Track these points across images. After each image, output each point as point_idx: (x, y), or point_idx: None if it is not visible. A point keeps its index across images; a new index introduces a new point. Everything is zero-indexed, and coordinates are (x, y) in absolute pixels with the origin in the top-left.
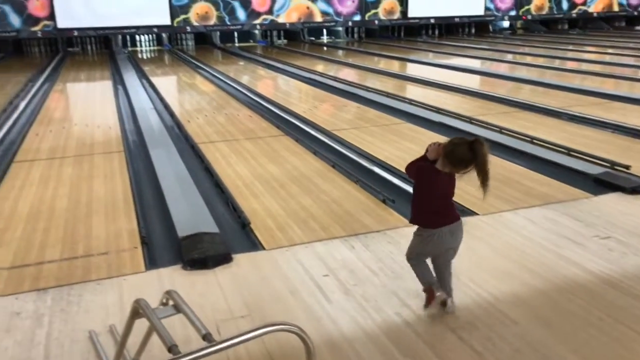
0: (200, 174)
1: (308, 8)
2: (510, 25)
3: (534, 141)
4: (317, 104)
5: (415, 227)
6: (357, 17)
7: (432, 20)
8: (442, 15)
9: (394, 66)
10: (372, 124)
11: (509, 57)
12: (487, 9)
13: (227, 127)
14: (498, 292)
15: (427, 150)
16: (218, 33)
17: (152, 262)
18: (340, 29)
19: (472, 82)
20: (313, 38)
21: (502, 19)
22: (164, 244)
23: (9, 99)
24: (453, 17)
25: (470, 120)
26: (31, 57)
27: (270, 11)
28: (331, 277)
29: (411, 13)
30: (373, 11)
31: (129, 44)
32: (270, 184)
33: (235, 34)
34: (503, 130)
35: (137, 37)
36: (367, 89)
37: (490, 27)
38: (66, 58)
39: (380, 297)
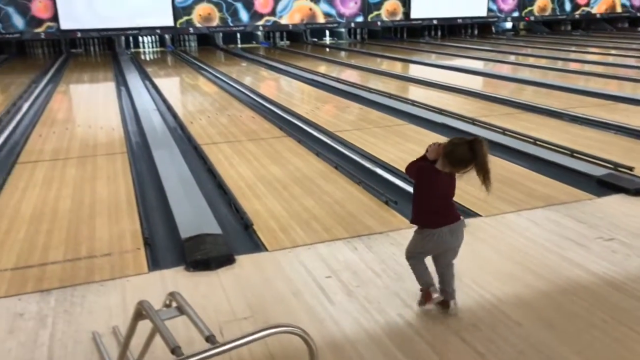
0: (203, 175)
1: (311, 9)
2: (513, 26)
3: (537, 142)
4: (319, 105)
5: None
6: (360, 19)
7: (435, 22)
8: (445, 16)
9: (397, 67)
10: (375, 125)
11: (512, 58)
12: (489, 10)
13: (229, 129)
14: (501, 294)
15: (427, 151)
16: (221, 34)
17: (155, 263)
18: (342, 30)
19: (475, 83)
20: (315, 39)
21: (505, 20)
22: (167, 245)
23: (13, 100)
24: (456, 19)
25: (473, 121)
26: (34, 58)
27: (272, 12)
28: (334, 278)
29: (414, 14)
30: (376, 12)
31: (131, 45)
32: (272, 185)
33: (238, 35)
34: (506, 132)
35: (140, 39)
36: (369, 90)
37: (493, 29)
38: (69, 59)
39: (383, 299)
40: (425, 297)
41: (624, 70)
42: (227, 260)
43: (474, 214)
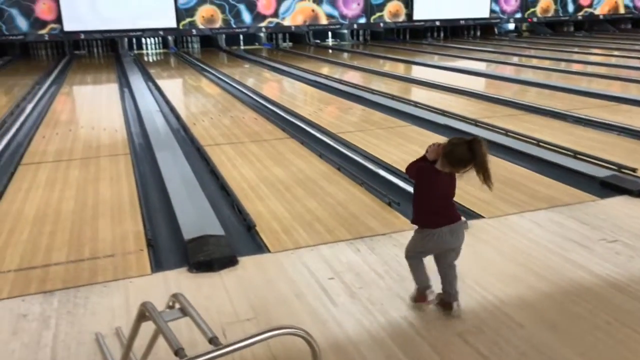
0: (206, 177)
1: (313, 11)
2: (516, 27)
3: (540, 144)
4: (322, 107)
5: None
6: (363, 20)
7: (438, 23)
8: (448, 17)
9: (399, 69)
10: (378, 127)
11: (515, 59)
12: (492, 11)
13: (232, 130)
14: (504, 296)
15: (427, 151)
16: (224, 36)
17: (158, 264)
18: (345, 31)
19: (478, 84)
20: (318, 41)
21: (508, 21)
22: (170, 247)
23: (16, 101)
24: (458, 20)
25: (475, 122)
26: (38, 60)
27: (275, 14)
28: (337, 280)
29: (416, 16)
30: (378, 14)
31: (135, 46)
32: (275, 187)
33: (241, 36)
34: (509, 133)
35: (143, 40)
36: (372, 91)
37: (496, 30)
38: (73, 61)
39: (386, 300)
40: (419, 298)
41: (627, 72)
42: (229, 261)
43: (477, 216)
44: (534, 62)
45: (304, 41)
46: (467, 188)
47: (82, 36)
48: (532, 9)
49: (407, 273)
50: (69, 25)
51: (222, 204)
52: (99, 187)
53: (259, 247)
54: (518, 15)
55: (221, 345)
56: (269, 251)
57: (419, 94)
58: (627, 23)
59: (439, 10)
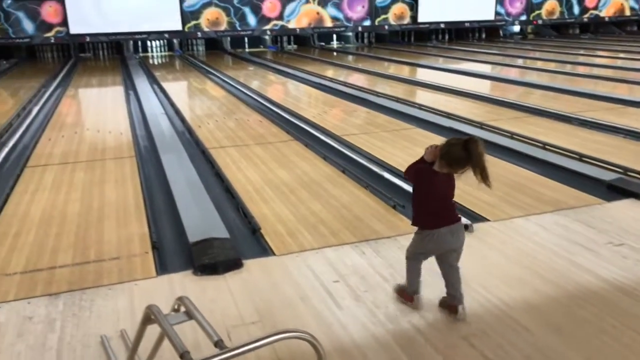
0: (211, 179)
1: (318, 13)
2: (521, 29)
3: (546, 147)
4: (327, 109)
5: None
6: (367, 22)
7: (442, 25)
8: (452, 20)
9: (404, 71)
10: (382, 129)
11: (520, 61)
12: (497, 13)
13: (237, 132)
14: (509, 299)
15: (424, 153)
16: (228, 38)
17: (162, 267)
18: (350, 34)
19: (483, 87)
20: (323, 43)
21: (513, 23)
22: (175, 249)
23: (23, 104)
24: (463, 22)
25: (481, 125)
26: (44, 62)
27: (280, 17)
28: (342, 283)
29: (421, 18)
30: (383, 16)
31: (140, 49)
32: (280, 189)
33: (246, 39)
34: (514, 136)
35: (149, 43)
36: (377, 94)
37: (501, 32)
38: (78, 64)
39: (391, 304)
40: (405, 296)
41: (633, 74)
42: (234, 264)
43: (482, 219)
44: (539, 64)
45: (308, 44)
46: (472, 191)
47: (88, 39)
48: (537, 11)
49: None
50: (74, 28)
51: (227, 207)
52: (104, 189)
53: (264, 250)
54: (523, 18)
55: (227, 349)
56: (273, 254)
57: (423, 97)
58: (633, 25)
59: (444, 12)
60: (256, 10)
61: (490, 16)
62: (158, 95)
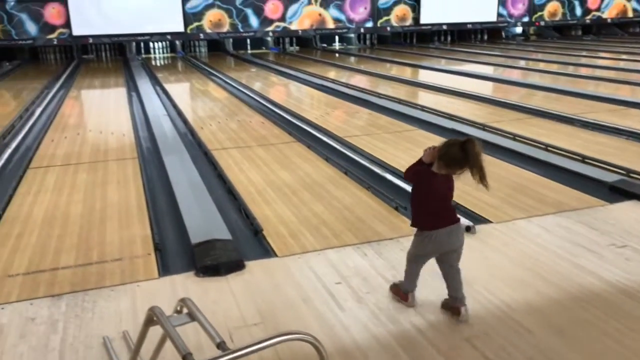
0: (213, 181)
1: (320, 15)
2: (523, 31)
3: (548, 148)
4: (329, 111)
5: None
6: (369, 24)
7: (445, 27)
8: (455, 21)
9: (406, 73)
10: (384, 131)
11: (522, 63)
12: (499, 15)
13: (239, 134)
14: (512, 301)
15: (423, 155)
16: (231, 40)
17: (165, 268)
18: (352, 35)
19: (485, 88)
20: (325, 45)
21: (515, 25)
22: (177, 251)
23: (25, 105)
24: (465, 24)
25: (483, 127)
26: (47, 64)
27: (282, 18)
28: (344, 284)
29: (423, 20)
30: (385, 18)
31: (142, 51)
32: (282, 191)
33: (248, 41)
34: (516, 137)
35: (151, 44)
36: (379, 95)
37: (503, 34)
38: (81, 65)
39: (393, 306)
40: (400, 294)
41: (635, 75)
42: (236, 265)
43: (485, 220)
44: (542, 65)
45: (310, 45)
46: (475, 193)
47: (91, 40)
48: (539, 13)
49: None
50: (77, 30)
51: (229, 208)
52: (106, 190)
53: (266, 251)
54: (525, 19)
55: (229, 350)
56: (276, 255)
57: (426, 98)
58: (636, 27)
59: (446, 14)
60: (258, 11)
61: (493, 18)
62: (160, 97)
